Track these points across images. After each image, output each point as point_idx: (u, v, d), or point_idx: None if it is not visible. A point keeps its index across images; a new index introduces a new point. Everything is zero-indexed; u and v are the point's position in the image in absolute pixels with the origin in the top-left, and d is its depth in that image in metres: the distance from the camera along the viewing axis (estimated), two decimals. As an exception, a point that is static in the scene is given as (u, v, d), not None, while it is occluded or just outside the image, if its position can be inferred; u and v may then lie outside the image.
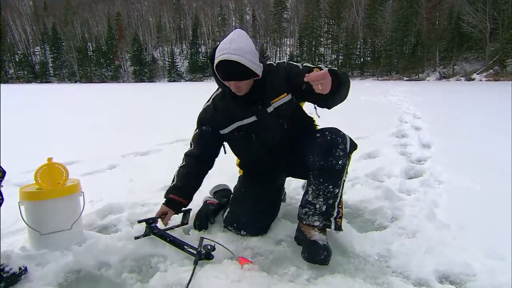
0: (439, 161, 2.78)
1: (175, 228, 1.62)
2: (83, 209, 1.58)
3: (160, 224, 1.58)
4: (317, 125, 1.70)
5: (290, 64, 1.55)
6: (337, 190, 1.41)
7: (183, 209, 1.65)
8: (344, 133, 1.45)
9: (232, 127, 1.59)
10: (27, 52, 61.34)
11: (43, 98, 14.29)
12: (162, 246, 1.48)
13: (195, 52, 55.37)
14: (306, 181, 1.56)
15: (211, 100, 1.67)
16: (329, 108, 1.46)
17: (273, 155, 1.64)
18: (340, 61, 47.04)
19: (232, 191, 1.83)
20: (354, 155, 1.59)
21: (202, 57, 55.41)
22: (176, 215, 1.63)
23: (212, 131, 1.64)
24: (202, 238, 1.44)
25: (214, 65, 1.41)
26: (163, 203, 1.61)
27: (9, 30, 61.33)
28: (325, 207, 1.41)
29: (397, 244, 1.47)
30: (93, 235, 1.60)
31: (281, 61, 1.59)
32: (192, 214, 1.71)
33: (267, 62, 1.54)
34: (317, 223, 1.41)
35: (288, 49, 57.73)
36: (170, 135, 4.30)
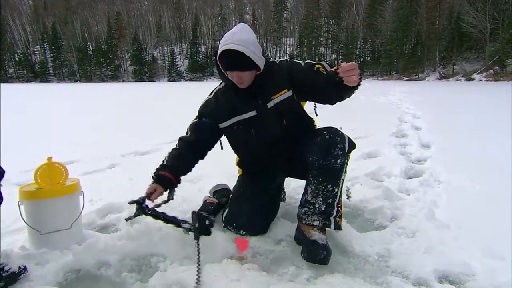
0: (439, 161, 2.77)
1: (162, 205, 1.57)
2: (82, 209, 1.58)
3: (149, 204, 1.55)
4: (316, 125, 1.70)
5: (292, 61, 1.58)
6: (336, 190, 1.41)
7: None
8: (342, 133, 1.45)
9: (232, 121, 1.60)
10: (26, 51, 61.26)
11: (43, 98, 14.27)
12: (162, 245, 1.48)
13: (195, 52, 55.36)
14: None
15: (213, 93, 1.69)
16: (332, 104, 1.46)
17: (272, 153, 1.63)
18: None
19: (232, 191, 1.83)
20: (354, 155, 1.59)
21: (202, 56, 55.45)
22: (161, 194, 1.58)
23: (211, 124, 1.64)
24: (194, 212, 1.45)
25: (218, 55, 1.43)
26: (152, 182, 1.57)
27: (8, 29, 61.26)
28: (324, 206, 1.41)
29: (396, 244, 1.47)
30: (92, 235, 1.60)
31: (283, 59, 1.61)
32: (191, 214, 1.70)
33: (270, 60, 1.56)
34: (316, 223, 1.41)
35: (288, 48, 57.77)
36: (170, 135, 4.29)
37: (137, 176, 2.59)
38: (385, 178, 2.44)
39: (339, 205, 1.45)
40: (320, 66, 1.45)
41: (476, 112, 6.54)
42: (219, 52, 1.42)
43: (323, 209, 1.41)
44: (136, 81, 51.35)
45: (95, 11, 66.09)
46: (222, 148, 1.72)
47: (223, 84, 1.65)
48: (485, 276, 1.23)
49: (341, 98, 1.41)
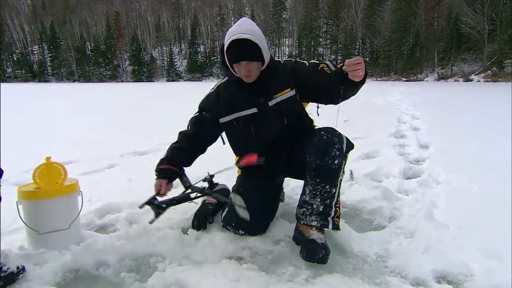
0: (437, 162, 2.78)
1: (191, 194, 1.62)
2: (81, 209, 1.58)
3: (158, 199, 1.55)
4: (315, 125, 1.70)
5: (297, 61, 1.59)
6: (334, 190, 1.41)
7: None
8: (340, 133, 1.45)
9: (232, 117, 1.59)
10: (25, 51, 60.96)
11: (42, 97, 14.23)
12: (161, 245, 1.48)
13: (194, 52, 55.27)
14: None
15: (215, 87, 1.69)
16: (336, 103, 1.45)
17: (272, 153, 1.63)
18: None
19: (231, 191, 1.82)
20: (353, 155, 1.59)
21: (201, 57, 55.39)
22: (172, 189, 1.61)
23: (212, 118, 1.64)
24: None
25: (225, 48, 1.44)
26: (155, 179, 1.56)
27: (7, 29, 61.02)
28: (322, 207, 1.41)
29: (395, 244, 1.47)
30: (91, 235, 1.60)
31: (288, 59, 1.61)
32: (191, 214, 1.71)
33: (275, 59, 1.57)
34: (314, 223, 1.41)
35: (287, 49, 57.74)
36: (170, 135, 4.28)
37: (136, 176, 2.59)
38: (383, 178, 2.45)
39: (337, 206, 1.45)
40: (325, 66, 1.46)
41: (475, 113, 6.55)
42: (226, 44, 1.42)
43: (321, 209, 1.41)
44: (134, 81, 51.22)
45: (94, 10, 65.94)
46: (224, 143, 1.72)
47: (226, 78, 1.65)
48: (483, 277, 1.23)
49: (345, 96, 1.40)
